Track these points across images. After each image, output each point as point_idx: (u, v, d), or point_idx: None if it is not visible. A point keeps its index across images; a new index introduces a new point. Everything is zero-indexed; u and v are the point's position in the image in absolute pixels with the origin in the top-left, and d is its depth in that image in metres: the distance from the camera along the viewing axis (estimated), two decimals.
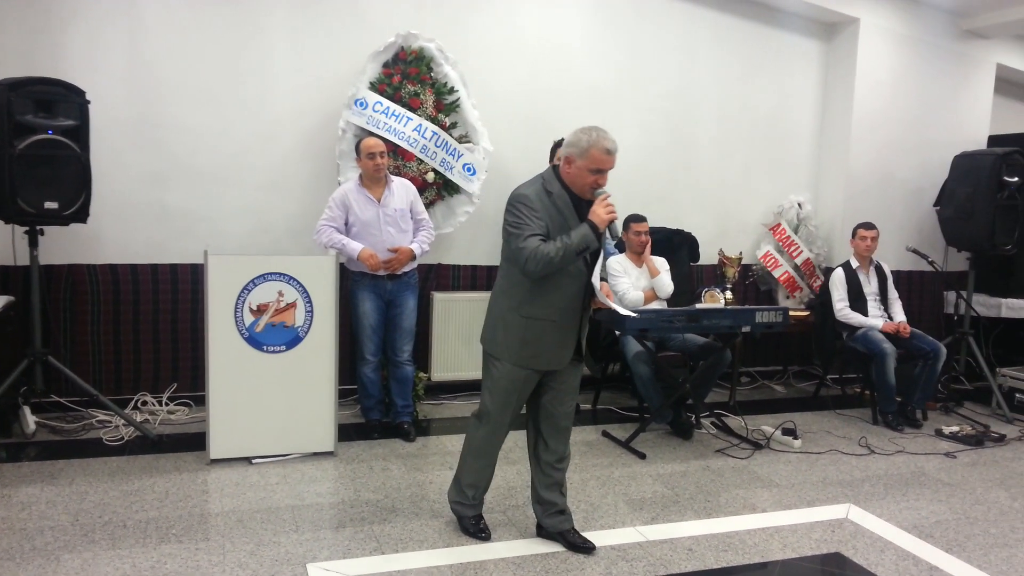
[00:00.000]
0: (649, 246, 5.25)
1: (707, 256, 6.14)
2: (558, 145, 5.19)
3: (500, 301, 3.22)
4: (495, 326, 3.22)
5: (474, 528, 3.38)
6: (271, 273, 4.07)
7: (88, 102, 4.22)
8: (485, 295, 5.47)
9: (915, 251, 5.92)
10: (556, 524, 3.34)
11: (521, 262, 3.01)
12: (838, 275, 5.66)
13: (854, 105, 6.47)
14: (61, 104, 4.13)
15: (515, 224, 3.04)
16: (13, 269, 4.56)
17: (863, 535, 3.58)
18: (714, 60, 6.28)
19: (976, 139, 6.99)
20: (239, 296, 4.02)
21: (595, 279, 3.14)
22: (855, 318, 5.53)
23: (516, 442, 4.67)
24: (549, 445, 3.30)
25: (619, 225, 2.99)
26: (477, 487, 3.39)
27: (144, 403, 4.92)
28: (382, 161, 4.43)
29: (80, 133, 4.19)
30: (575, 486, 4.00)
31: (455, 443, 4.07)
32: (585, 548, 3.29)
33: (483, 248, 5.57)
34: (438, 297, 5.43)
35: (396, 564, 3.09)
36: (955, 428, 5.25)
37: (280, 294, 4.10)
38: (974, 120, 7.08)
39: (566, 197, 3.08)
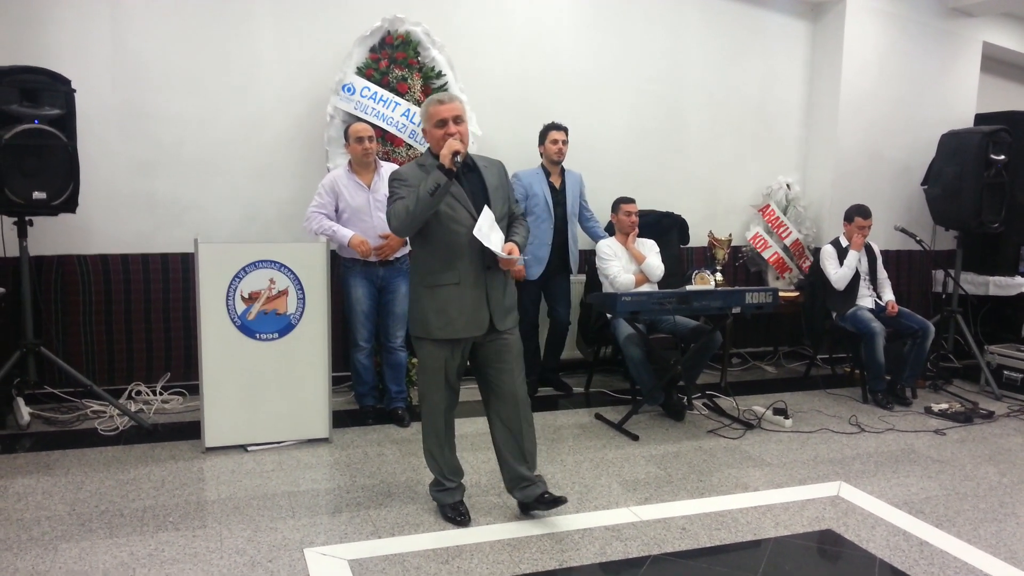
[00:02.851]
0: (635, 233, 5.25)
1: (697, 238, 6.16)
2: (547, 128, 5.20)
3: (411, 281, 3.36)
4: (413, 307, 3.32)
5: (455, 516, 3.38)
6: (262, 261, 4.07)
7: (74, 91, 4.21)
8: None
9: (903, 230, 5.95)
10: (528, 495, 3.40)
11: (390, 226, 3.17)
12: (828, 250, 5.68)
13: (841, 85, 6.47)
14: (46, 93, 4.11)
15: (390, 196, 3.19)
16: (2, 260, 4.55)
17: (854, 512, 3.62)
18: (702, 42, 6.27)
19: (963, 118, 7.02)
20: (230, 284, 4.02)
21: (485, 236, 3.12)
22: (847, 271, 5.53)
23: None
24: (504, 422, 3.37)
25: (459, 156, 3.10)
26: (445, 468, 3.42)
27: (138, 393, 4.92)
28: (371, 146, 4.42)
29: (66, 122, 4.17)
30: (568, 468, 4.04)
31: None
32: (558, 501, 3.38)
33: None
34: None
35: (393, 547, 3.12)
36: (944, 406, 5.30)
37: (272, 282, 4.10)
38: (961, 98, 7.10)
39: (437, 164, 3.11)
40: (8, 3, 4.52)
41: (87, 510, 3.36)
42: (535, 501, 3.39)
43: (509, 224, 3.39)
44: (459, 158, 3.09)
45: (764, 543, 3.28)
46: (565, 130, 5.19)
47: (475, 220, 3.14)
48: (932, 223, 6.65)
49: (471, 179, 3.28)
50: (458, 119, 3.19)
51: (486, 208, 3.18)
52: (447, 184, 3.06)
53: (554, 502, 3.37)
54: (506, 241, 3.26)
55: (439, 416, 3.35)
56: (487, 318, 3.24)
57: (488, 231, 3.14)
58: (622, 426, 4.68)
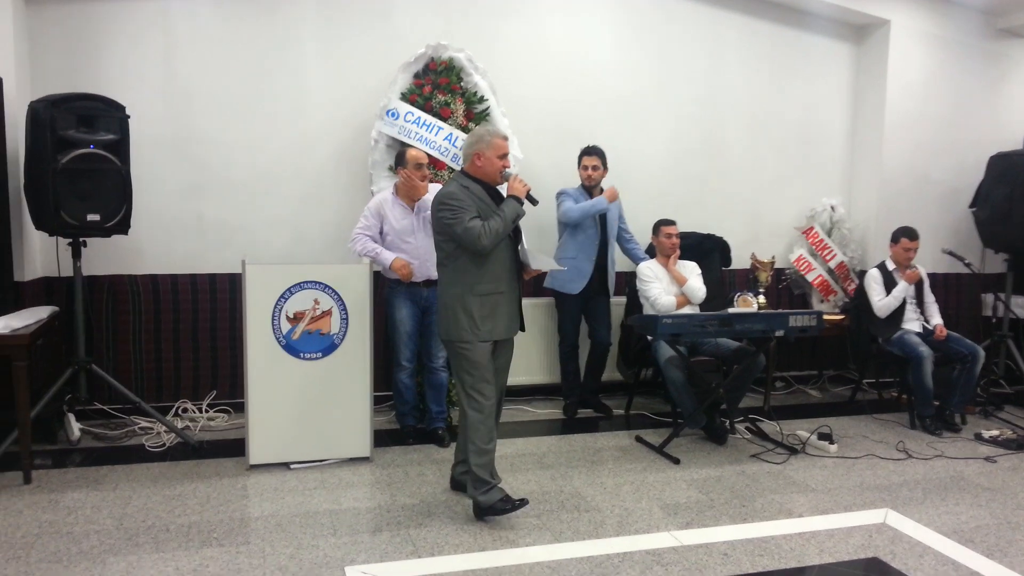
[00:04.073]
0: (677, 254, 5.24)
1: (739, 260, 6.12)
2: (581, 153, 5.23)
3: (451, 290, 3.61)
4: (455, 314, 3.58)
5: (510, 505, 3.58)
6: (307, 282, 4.14)
7: (128, 117, 4.33)
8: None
9: (951, 253, 5.84)
10: (467, 479, 3.73)
11: (474, 239, 3.45)
12: (873, 274, 5.59)
13: (886, 107, 6.41)
14: (102, 119, 4.24)
15: (453, 215, 3.48)
16: (57, 280, 4.69)
17: (901, 540, 3.54)
18: (743, 64, 6.27)
19: (1012, 139, 6.89)
20: (276, 304, 4.10)
21: (532, 256, 3.71)
22: (893, 302, 5.44)
23: (551, 447, 4.71)
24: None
25: (534, 195, 3.69)
26: (491, 466, 3.66)
27: (184, 410, 5.02)
28: (428, 173, 4.54)
29: (120, 147, 4.29)
30: (609, 491, 4.02)
31: None
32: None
33: None
34: None
35: (432, 567, 3.13)
36: (995, 432, 5.17)
37: (316, 302, 4.17)
38: (1010, 120, 6.97)
39: (479, 187, 3.60)
40: (66, 33, 4.71)
41: (134, 525, 3.43)
42: (465, 487, 3.75)
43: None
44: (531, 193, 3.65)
45: (808, 570, 3.22)
46: (599, 155, 5.22)
47: (513, 240, 3.65)
48: (981, 246, 6.53)
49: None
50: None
51: (519, 228, 3.70)
52: (523, 213, 3.62)
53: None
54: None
55: (490, 414, 3.64)
56: (519, 322, 3.74)
57: (535, 252, 3.76)
58: (663, 449, 4.65)
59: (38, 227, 4.28)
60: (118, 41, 4.80)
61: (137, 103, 4.63)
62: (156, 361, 5.04)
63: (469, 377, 3.61)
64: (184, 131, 4.97)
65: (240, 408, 5.04)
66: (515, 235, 3.67)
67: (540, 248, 5.51)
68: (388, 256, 4.44)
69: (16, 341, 3.76)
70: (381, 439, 4.61)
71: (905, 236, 5.53)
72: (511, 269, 3.65)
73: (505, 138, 3.67)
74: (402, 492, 3.91)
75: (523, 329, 3.78)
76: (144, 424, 4.75)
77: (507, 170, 3.65)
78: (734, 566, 3.23)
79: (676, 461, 4.51)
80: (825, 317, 4.92)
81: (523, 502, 3.62)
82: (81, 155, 4.14)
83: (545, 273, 4.95)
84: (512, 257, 3.65)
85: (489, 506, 3.58)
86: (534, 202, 3.67)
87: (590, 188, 5.25)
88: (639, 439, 4.90)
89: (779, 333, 4.64)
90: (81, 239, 4.39)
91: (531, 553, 3.28)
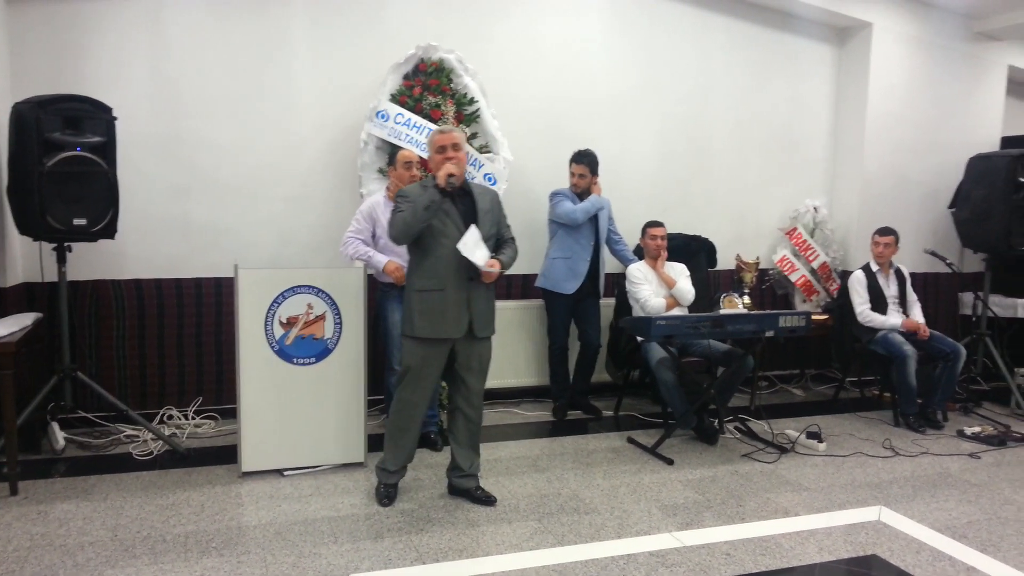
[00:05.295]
0: (664, 256, 5.26)
1: (724, 261, 6.16)
2: (573, 159, 5.23)
3: (406, 286, 3.76)
4: (404, 309, 3.72)
5: (382, 496, 3.79)
6: (300, 286, 4.09)
7: (115, 118, 4.24)
8: (509, 303, 5.59)
9: (933, 253, 5.94)
10: (462, 484, 3.88)
11: (389, 234, 3.63)
12: (858, 277, 5.67)
13: (868, 109, 6.50)
14: (88, 121, 4.13)
15: (392, 211, 3.61)
16: (39, 286, 4.58)
17: (897, 537, 3.58)
18: (729, 66, 6.31)
19: (989, 141, 7.02)
20: (269, 309, 4.04)
21: (469, 250, 3.53)
22: (877, 319, 5.54)
23: (543, 450, 4.70)
24: (467, 417, 3.84)
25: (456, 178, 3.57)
26: (391, 461, 3.82)
27: (170, 417, 4.93)
28: (417, 173, 4.47)
29: (107, 149, 4.19)
30: (605, 492, 4.02)
31: (482, 451, 4.06)
32: (488, 499, 3.82)
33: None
34: None
35: (438, 574, 3.10)
36: (977, 429, 5.26)
37: (309, 307, 4.12)
38: (987, 122, 7.11)
39: (433, 184, 3.59)
40: (49, 32, 4.60)
41: (129, 536, 3.36)
42: (464, 491, 3.87)
43: (499, 246, 3.81)
44: (453, 179, 3.52)
45: (811, 569, 3.25)
46: (588, 163, 5.20)
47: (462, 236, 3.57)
48: (959, 245, 6.64)
49: (465, 202, 3.69)
50: (456, 147, 3.62)
51: (473, 226, 3.59)
52: (439, 201, 3.53)
53: (484, 500, 3.82)
54: (493, 258, 3.65)
55: (405, 429, 3.75)
56: (467, 323, 3.64)
57: (472, 247, 3.55)
58: (656, 450, 4.66)
59: (22, 232, 4.16)
60: (103, 41, 4.70)
61: (122, 104, 4.53)
62: (140, 368, 4.95)
63: (402, 373, 3.71)
64: (170, 132, 4.88)
65: (226, 414, 4.99)
66: (462, 232, 3.57)
67: (527, 250, 5.51)
68: (381, 259, 4.40)
69: (1, 349, 3.66)
70: (373, 444, 4.54)
71: (876, 233, 5.68)
72: (454, 266, 3.57)
73: (443, 131, 3.67)
74: (399, 498, 3.87)
75: (476, 333, 3.67)
76: (129, 432, 4.66)
77: (448, 163, 3.56)
78: (737, 566, 3.25)
79: (670, 462, 4.53)
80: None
81: (386, 501, 3.77)
82: (67, 158, 4.03)
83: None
84: (456, 258, 3.55)
85: (378, 480, 3.85)
86: (444, 192, 3.53)
87: (578, 194, 5.25)
88: (631, 440, 4.91)
89: (769, 334, 4.68)
90: (66, 244, 4.29)
91: (536, 557, 3.26)
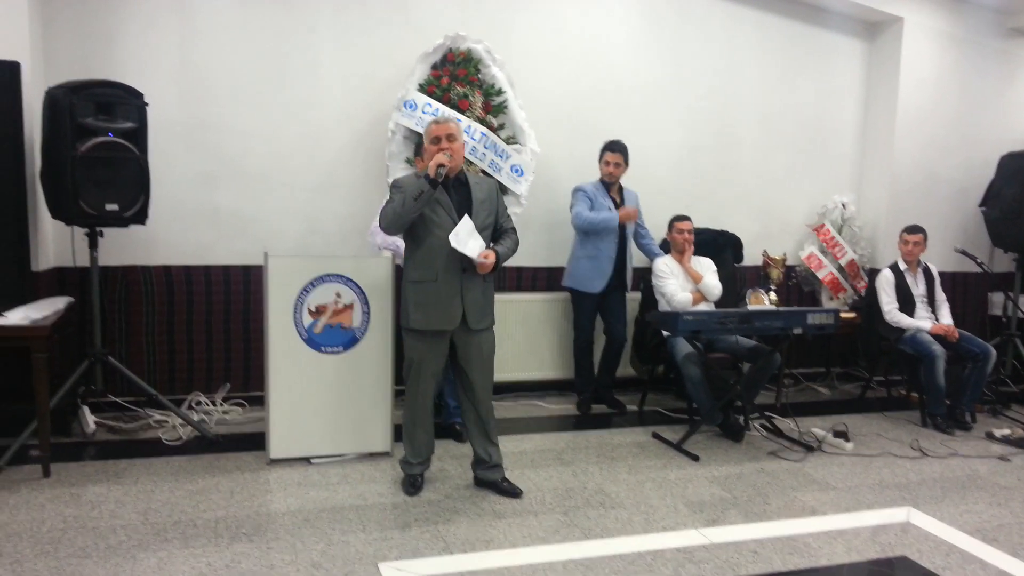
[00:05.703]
0: (691, 250, 5.23)
1: (750, 257, 6.12)
2: (604, 148, 5.19)
3: (402, 278, 3.73)
4: (401, 301, 3.72)
5: (407, 486, 3.81)
6: (329, 275, 4.10)
7: (146, 104, 4.25)
8: (533, 296, 5.58)
9: (964, 252, 5.86)
10: (487, 476, 3.88)
11: (379, 224, 3.58)
12: (886, 276, 5.61)
13: (898, 105, 6.43)
14: (120, 106, 4.15)
15: (386, 202, 3.59)
16: (71, 270, 4.61)
17: (927, 539, 3.55)
18: (757, 59, 6.26)
19: (1021, 139, 6.92)
20: (298, 298, 4.05)
21: (461, 241, 3.49)
22: (904, 320, 5.48)
23: (567, 443, 4.70)
24: (476, 409, 3.82)
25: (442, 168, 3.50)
26: (412, 454, 3.86)
27: (198, 403, 4.96)
28: (448, 145, 4.44)
29: (139, 135, 4.21)
30: (631, 487, 4.02)
31: (507, 443, 4.09)
32: (514, 491, 3.81)
33: (530, 249, 5.53)
34: None
35: (466, 564, 3.11)
36: (1006, 431, 5.21)
37: (338, 295, 4.13)
38: (1019, 119, 7.02)
39: (424, 174, 3.55)
40: (79, 18, 4.62)
41: (160, 519, 3.39)
42: (491, 483, 3.86)
43: (498, 236, 3.77)
44: (443, 170, 3.47)
45: (840, 569, 3.23)
46: (622, 152, 5.18)
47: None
48: (990, 244, 6.56)
49: (460, 192, 3.66)
50: (451, 137, 3.59)
51: (466, 217, 3.56)
52: (430, 191, 3.48)
53: (510, 492, 3.81)
54: (488, 249, 3.61)
55: (417, 401, 3.76)
56: (460, 315, 3.62)
57: (465, 237, 3.51)
58: (681, 446, 4.65)
59: (55, 216, 4.20)
60: (132, 26, 4.72)
61: (151, 90, 4.52)
62: (169, 353, 4.98)
63: (405, 365, 3.73)
64: (198, 119, 4.89)
65: (255, 401, 5.02)
66: (456, 223, 3.53)
67: (551, 242, 5.51)
68: None
69: (36, 332, 3.69)
70: (400, 433, 4.56)
71: (905, 231, 5.62)
72: (447, 257, 3.54)
73: (438, 122, 3.64)
74: (426, 488, 3.88)
75: (470, 325, 3.64)
76: (159, 417, 4.70)
77: (443, 153, 3.50)
78: (766, 564, 3.23)
79: (695, 458, 4.51)
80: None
81: (412, 491, 3.79)
82: (100, 143, 4.05)
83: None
84: (449, 250, 3.52)
85: (404, 472, 3.88)
86: (433, 183, 3.47)
87: (609, 184, 5.22)
88: (656, 435, 4.90)
89: (797, 331, 4.65)
90: (98, 229, 4.32)
91: (564, 550, 3.26)
